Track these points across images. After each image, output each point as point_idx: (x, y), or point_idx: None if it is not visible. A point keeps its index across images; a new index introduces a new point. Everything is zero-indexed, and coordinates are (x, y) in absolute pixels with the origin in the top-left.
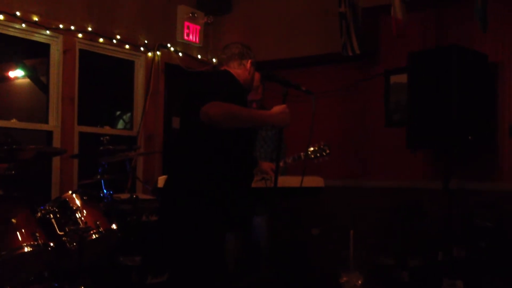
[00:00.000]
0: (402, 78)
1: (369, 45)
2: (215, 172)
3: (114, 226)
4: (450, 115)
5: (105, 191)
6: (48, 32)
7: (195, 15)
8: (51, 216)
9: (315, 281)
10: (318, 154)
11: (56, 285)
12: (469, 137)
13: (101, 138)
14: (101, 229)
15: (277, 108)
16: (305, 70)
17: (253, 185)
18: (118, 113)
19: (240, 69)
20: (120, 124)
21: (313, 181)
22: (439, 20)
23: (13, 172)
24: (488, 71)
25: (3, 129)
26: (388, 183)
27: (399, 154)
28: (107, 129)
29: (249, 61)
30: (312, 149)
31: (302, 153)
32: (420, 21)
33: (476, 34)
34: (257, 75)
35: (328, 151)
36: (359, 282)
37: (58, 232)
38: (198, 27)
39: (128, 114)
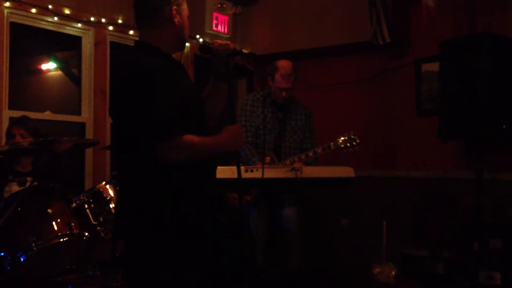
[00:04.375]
0: (434, 67)
1: (400, 33)
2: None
3: None
4: (482, 104)
5: None
6: (79, 25)
7: (224, 5)
8: (86, 206)
9: (345, 271)
10: (348, 144)
11: (91, 273)
12: (504, 126)
13: None
14: None
15: (230, 132)
16: (334, 59)
17: (283, 175)
18: None
19: (162, 29)
20: None
21: (344, 171)
22: (470, 6)
23: (48, 163)
24: None
25: (36, 121)
26: (418, 173)
27: (430, 143)
28: None
29: (173, 8)
30: (342, 138)
31: (331, 143)
32: (451, 8)
33: (509, 20)
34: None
35: (358, 141)
36: (393, 273)
37: (93, 222)
38: (227, 18)
39: None
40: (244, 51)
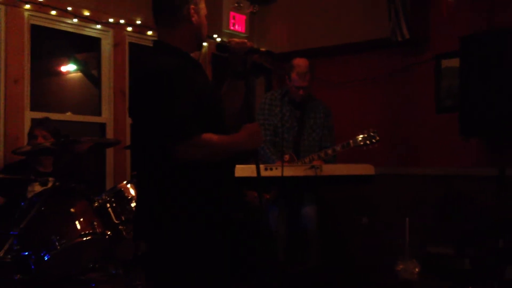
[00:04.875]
0: (454, 62)
1: (419, 29)
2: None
3: None
4: (504, 100)
5: None
6: (98, 26)
7: (241, 4)
8: (108, 205)
9: (367, 269)
10: (367, 141)
11: (114, 272)
12: None
13: None
14: None
15: (248, 130)
16: (352, 57)
17: (302, 173)
18: None
19: (180, 28)
20: None
21: (364, 168)
22: (490, 1)
23: (68, 163)
24: None
25: (56, 122)
26: (439, 171)
27: (451, 141)
28: None
29: (191, 7)
30: (361, 136)
31: (351, 140)
32: (470, 3)
33: None
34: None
35: (377, 138)
36: (416, 270)
37: (115, 221)
38: (244, 17)
39: None
40: (262, 49)
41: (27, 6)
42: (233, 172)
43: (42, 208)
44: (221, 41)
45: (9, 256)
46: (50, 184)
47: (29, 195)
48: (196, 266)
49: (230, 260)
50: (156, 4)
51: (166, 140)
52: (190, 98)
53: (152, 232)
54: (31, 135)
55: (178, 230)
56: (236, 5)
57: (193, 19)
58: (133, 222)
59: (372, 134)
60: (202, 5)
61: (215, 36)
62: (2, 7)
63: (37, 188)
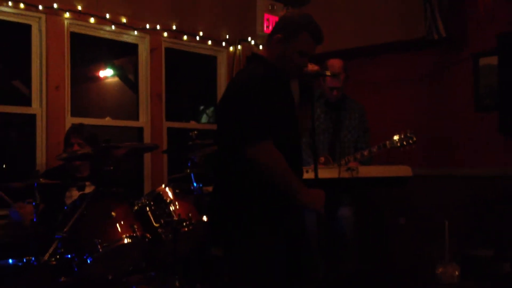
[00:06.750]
0: (493, 60)
1: (456, 27)
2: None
3: (204, 218)
4: None
5: (195, 184)
6: (135, 32)
7: (275, 7)
8: (147, 209)
9: (405, 272)
10: (404, 142)
11: (153, 274)
12: None
13: (190, 133)
14: (193, 221)
15: (317, 191)
16: (387, 56)
17: (340, 175)
18: (201, 107)
19: (265, 47)
20: (204, 118)
21: (401, 170)
22: None
23: (111, 168)
24: None
25: (96, 127)
26: (479, 171)
27: (491, 140)
28: (193, 124)
29: (276, 37)
30: (398, 137)
31: (387, 141)
32: (508, 0)
33: None
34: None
35: (414, 139)
36: (456, 273)
37: (154, 224)
38: (278, 19)
39: (211, 108)
40: (327, 72)
41: (67, 15)
42: None
43: (85, 212)
44: None
45: (53, 259)
46: (87, 189)
47: (67, 200)
48: (260, 272)
49: (289, 267)
50: None
51: (239, 140)
52: (268, 107)
53: (224, 236)
54: (67, 142)
55: (245, 236)
56: (269, 7)
57: (273, 45)
58: (208, 223)
59: (409, 135)
60: (298, 43)
61: (249, 39)
62: (43, 15)
63: (75, 193)
